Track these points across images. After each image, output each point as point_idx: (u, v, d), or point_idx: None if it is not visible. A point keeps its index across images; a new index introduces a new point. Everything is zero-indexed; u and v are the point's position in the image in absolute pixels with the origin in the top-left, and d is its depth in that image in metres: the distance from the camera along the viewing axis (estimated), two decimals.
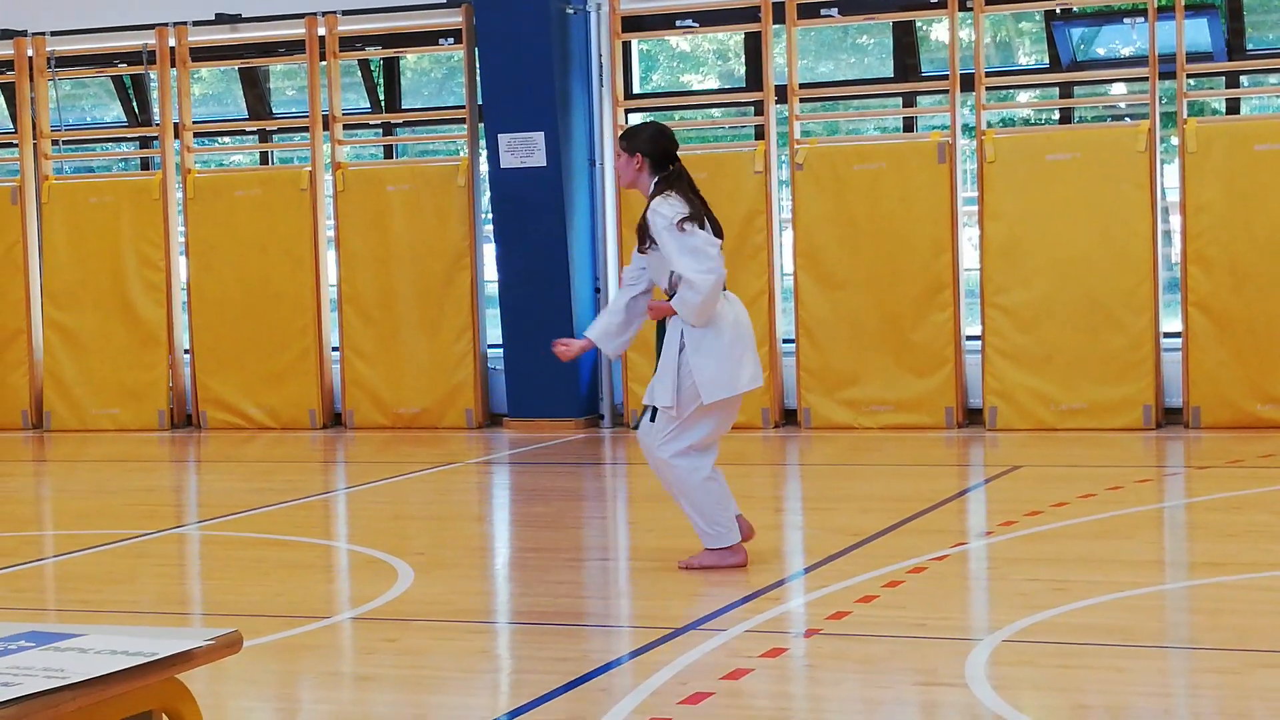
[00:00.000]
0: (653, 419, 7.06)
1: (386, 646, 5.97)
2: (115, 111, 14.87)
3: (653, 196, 6.98)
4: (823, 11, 12.56)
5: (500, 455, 11.77)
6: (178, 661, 2.76)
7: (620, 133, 7.15)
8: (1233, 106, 12.28)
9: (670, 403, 6.95)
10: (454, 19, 13.17)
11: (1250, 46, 12.25)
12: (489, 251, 13.21)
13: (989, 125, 12.24)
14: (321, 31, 13.39)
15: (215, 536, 8.66)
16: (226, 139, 15.00)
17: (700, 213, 6.93)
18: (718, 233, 6.99)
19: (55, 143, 14.34)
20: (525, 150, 12.65)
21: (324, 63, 13.43)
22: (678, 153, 7.13)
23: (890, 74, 12.95)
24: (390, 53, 13.74)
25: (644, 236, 7.01)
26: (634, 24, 13.06)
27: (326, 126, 13.44)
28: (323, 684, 5.59)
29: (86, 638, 2.83)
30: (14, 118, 14.26)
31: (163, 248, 13.72)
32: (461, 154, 13.31)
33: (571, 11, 12.78)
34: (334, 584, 7.55)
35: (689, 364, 6.92)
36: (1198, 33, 11.92)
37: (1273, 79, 12.57)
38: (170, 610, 6.87)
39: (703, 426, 7.02)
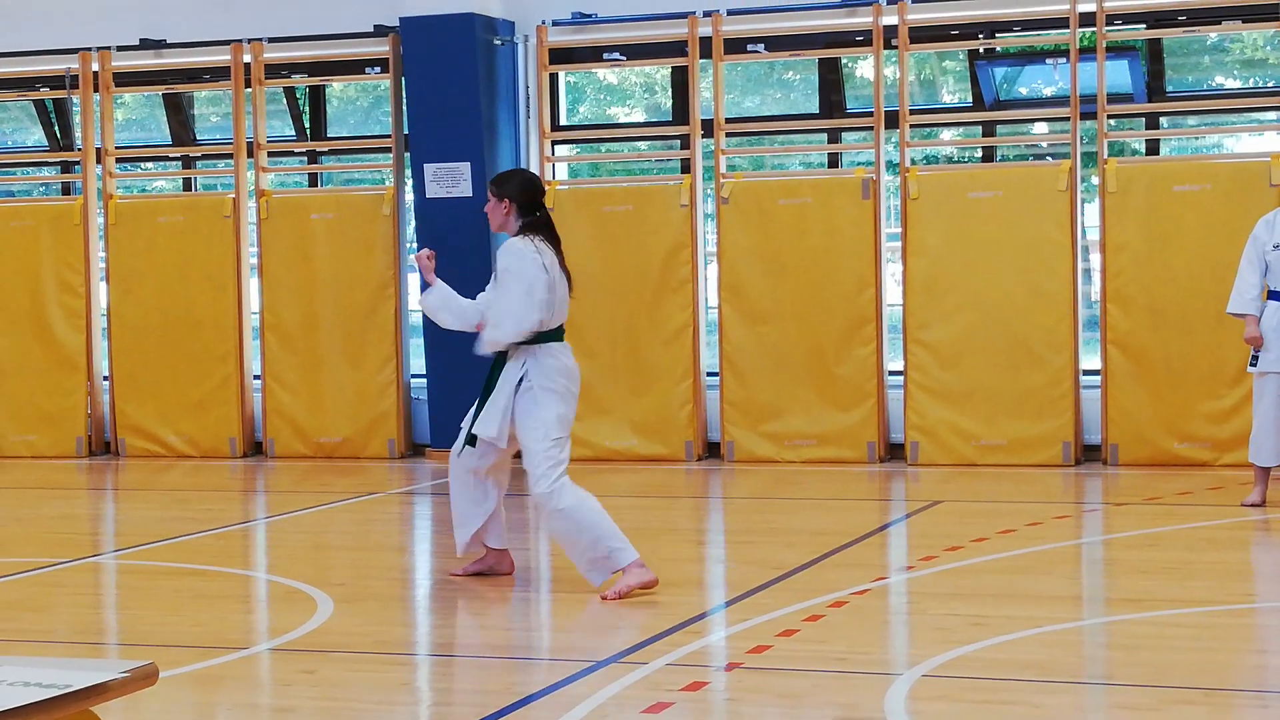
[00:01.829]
0: (471, 444, 7.40)
1: (305, 678, 5.92)
2: (37, 135, 14.74)
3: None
4: (749, 47, 12.63)
5: (422, 486, 11.71)
6: (92, 694, 2.73)
7: (491, 178, 7.52)
8: (1152, 147, 12.43)
9: (494, 435, 7.29)
10: (381, 48, 13.15)
11: (1170, 89, 12.41)
12: (413, 281, 13.17)
13: (913, 162, 12.33)
14: (247, 58, 13.34)
15: (132, 566, 8.57)
16: (149, 165, 14.89)
17: (553, 260, 7.28)
18: (568, 282, 7.38)
19: None
20: (451, 180, 12.63)
21: (249, 90, 13.36)
22: (545, 199, 7.55)
23: (816, 110, 13.03)
24: (316, 81, 13.69)
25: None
26: (562, 56, 13.08)
27: (251, 154, 13.38)
28: (240, 716, 5.54)
29: None
30: None
31: (83, 273, 13.61)
32: (387, 183, 13.27)
33: (499, 43, 12.78)
34: (252, 615, 7.49)
35: (535, 401, 7.22)
36: (1119, 74, 12.07)
37: (1191, 121, 12.74)
38: (85, 640, 6.79)
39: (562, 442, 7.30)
